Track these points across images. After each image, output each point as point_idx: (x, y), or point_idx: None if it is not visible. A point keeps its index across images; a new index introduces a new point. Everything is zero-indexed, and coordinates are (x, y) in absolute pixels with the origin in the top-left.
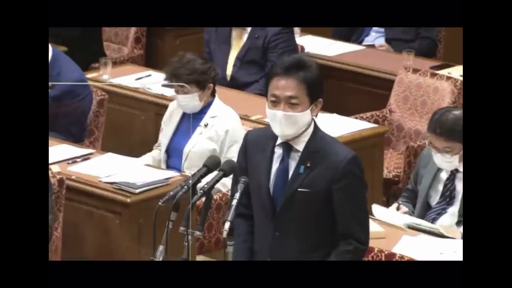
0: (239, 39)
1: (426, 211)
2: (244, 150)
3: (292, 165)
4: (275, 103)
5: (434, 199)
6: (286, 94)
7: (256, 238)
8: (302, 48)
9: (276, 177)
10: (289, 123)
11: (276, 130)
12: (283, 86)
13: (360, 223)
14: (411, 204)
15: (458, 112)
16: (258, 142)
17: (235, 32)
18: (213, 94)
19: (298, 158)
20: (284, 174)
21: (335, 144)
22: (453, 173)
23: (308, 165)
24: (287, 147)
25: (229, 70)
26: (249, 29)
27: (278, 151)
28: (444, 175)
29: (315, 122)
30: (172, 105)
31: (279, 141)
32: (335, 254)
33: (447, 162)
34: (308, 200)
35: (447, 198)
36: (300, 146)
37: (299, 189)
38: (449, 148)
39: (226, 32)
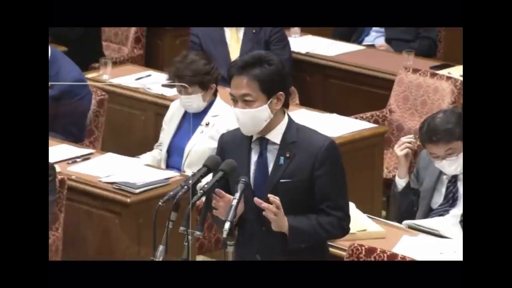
0: (235, 37)
1: (429, 213)
2: (220, 152)
3: (271, 157)
4: (234, 102)
5: (437, 201)
6: (239, 93)
7: (243, 239)
8: None
9: (256, 172)
10: (247, 119)
11: (241, 128)
12: (237, 84)
13: (340, 208)
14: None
15: (442, 114)
16: (234, 142)
17: (228, 31)
18: (215, 94)
19: (277, 150)
20: (263, 168)
21: (312, 133)
22: (454, 175)
23: (288, 155)
24: (264, 141)
25: None
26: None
27: (255, 147)
28: (446, 177)
29: (288, 115)
30: (173, 105)
31: (254, 137)
32: (326, 220)
33: (455, 165)
34: (291, 190)
35: (450, 200)
36: (276, 138)
37: (281, 180)
38: (451, 149)
39: (219, 32)
